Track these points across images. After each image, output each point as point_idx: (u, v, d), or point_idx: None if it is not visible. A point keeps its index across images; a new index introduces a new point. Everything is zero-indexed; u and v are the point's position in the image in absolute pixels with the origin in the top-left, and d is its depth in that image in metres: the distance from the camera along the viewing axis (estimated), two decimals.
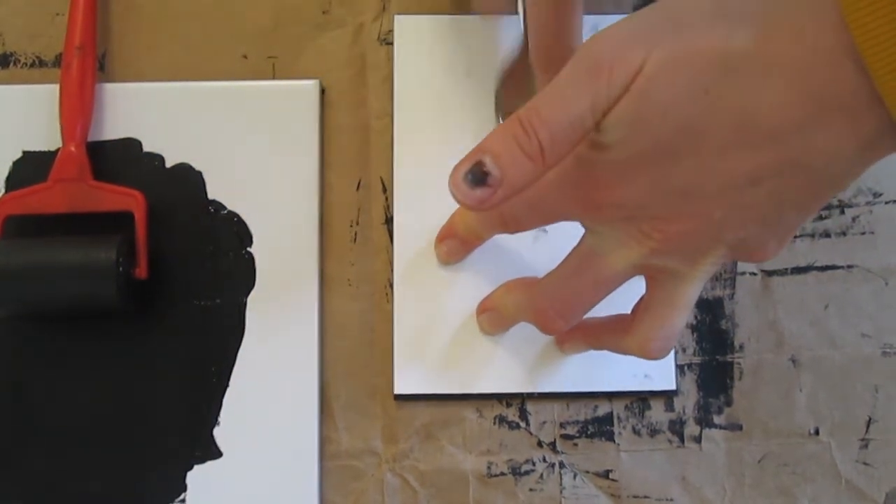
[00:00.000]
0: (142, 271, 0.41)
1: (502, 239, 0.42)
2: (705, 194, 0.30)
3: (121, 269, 0.39)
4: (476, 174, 0.30)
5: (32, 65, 0.45)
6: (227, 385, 0.41)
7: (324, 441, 0.42)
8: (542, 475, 0.42)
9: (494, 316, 0.41)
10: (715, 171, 0.29)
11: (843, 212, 0.44)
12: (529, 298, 0.38)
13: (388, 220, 0.44)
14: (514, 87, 0.43)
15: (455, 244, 0.41)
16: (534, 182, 0.31)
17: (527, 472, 0.42)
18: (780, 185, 0.29)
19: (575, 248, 0.35)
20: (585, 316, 0.37)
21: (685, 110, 0.29)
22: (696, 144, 0.29)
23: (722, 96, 0.28)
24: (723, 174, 0.29)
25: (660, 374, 0.42)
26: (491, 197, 0.30)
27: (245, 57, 0.45)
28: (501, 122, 0.43)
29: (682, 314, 0.35)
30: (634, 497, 0.42)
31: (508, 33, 0.45)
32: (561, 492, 0.42)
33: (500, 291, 0.41)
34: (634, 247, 0.32)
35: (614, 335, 0.37)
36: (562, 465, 0.42)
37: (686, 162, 0.30)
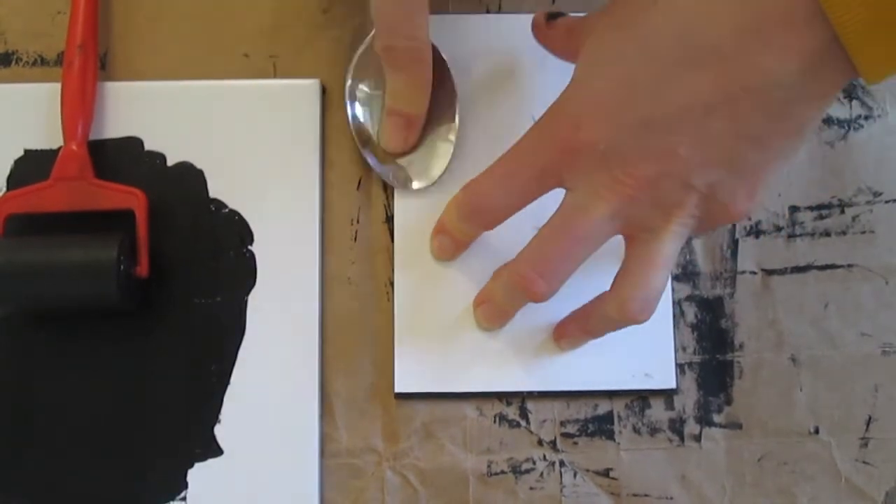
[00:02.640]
0: (143, 269, 0.41)
1: (502, 238, 0.42)
2: (666, 126, 0.32)
3: (122, 267, 0.39)
4: None
5: (34, 63, 0.45)
6: (227, 383, 0.41)
7: (324, 439, 0.42)
8: (542, 474, 0.42)
9: (489, 307, 0.41)
10: (671, 97, 0.32)
11: (843, 211, 0.44)
12: (513, 266, 0.38)
13: (389, 219, 0.44)
14: (362, 72, 0.43)
15: (446, 240, 0.42)
16: None
17: (527, 471, 0.42)
18: (734, 112, 0.31)
19: (555, 212, 0.36)
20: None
21: (637, 18, 0.32)
22: (648, 63, 0.32)
23: (669, 6, 0.31)
24: (678, 100, 0.32)
25: (660, 372, 0.42)
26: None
27: (246, 56, 0.45)
28: (348, 104, 0.43)
29: (659, 273, 0.35)
30: (634, 496, 0.42)
31: (509, 33, 0.45)
32: (561, 490, 0.42)
33: (489, 281, 0.41)
34: (610, 197, 0.34)
35: (599, 308, 0.38)
36: (562, 463, 0.42)
37: (642, 87, 0.32)
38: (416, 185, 0.43)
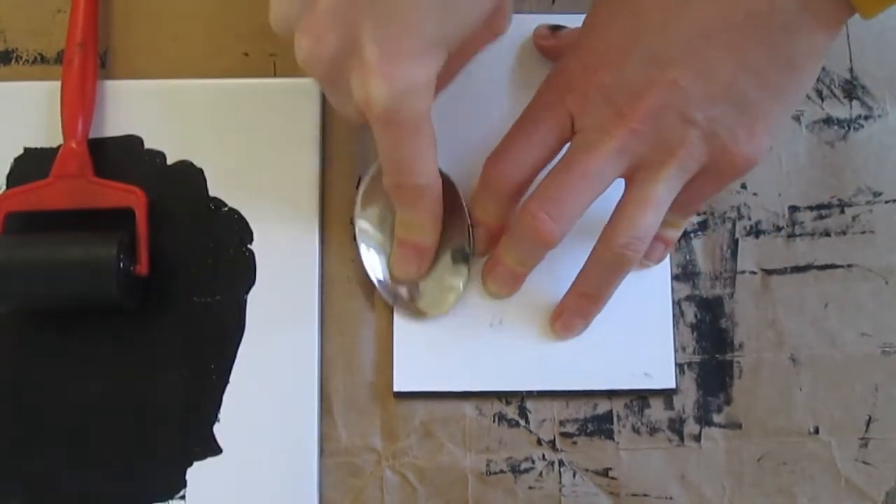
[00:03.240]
0: (142, 268, 0.41)
1: None
2: (669, 58, 0.34)
3: (121, 265, 0.39)
4: None
5: (34, 61, 0.45)
6: (226, 382, 0.41)
7: (323, 438, 0.42)
8: (541, 473, 0.42)
9: (499, 271, 0.41)
10: (675, 29, 0.34)
11: (843, 211, 0.44)
12: (522, 208, 0.38)
13: None
14: (371, 197, 0.42)
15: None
16: None
17: (526, 471, 0.42)
18: (734, 41, 0.33)
19: (564, 153, 0.37)
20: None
21: None
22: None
23: None
24: (682, 31, 0.34)
25: (659, 372, 0.42)
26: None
27: (246, 55, 0.45)
28: (356, 228, 0.42)
29: (649, 214, 0.36)
30: (634, 495, 0.42)
31: (509, 32, 0.45)
32: (560, 490, 0.42)
33: (499, 244, 0.41)
34: (615, 132, 0.35)
35: (591, 258, 0.39)
36: (561, 463, 0.42)
37: (649, 21, 0.34)
38: (431, 314, 0.42)
